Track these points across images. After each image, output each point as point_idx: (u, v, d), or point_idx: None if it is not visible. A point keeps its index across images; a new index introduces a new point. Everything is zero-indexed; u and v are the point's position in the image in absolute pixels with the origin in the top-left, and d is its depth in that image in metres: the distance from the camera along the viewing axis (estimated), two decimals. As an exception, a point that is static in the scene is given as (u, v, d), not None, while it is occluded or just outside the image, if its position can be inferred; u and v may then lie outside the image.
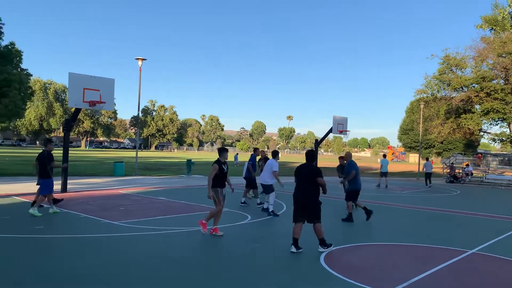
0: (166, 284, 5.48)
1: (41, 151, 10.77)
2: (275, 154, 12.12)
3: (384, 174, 22.86)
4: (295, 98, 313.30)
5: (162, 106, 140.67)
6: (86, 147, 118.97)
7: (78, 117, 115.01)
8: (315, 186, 7.52)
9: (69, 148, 15.17)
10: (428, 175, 25.20)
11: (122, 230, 8.74)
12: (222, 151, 8.83)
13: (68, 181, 15.26)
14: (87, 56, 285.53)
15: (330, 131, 27.24)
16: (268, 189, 11.56)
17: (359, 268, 6.56)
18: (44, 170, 10.32)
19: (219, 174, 8.49)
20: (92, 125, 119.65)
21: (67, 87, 15.06)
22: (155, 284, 5.43)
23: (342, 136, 29.54)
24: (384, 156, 24.38)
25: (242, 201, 13.18)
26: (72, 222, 9.53)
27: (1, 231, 8.23)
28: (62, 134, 15.33)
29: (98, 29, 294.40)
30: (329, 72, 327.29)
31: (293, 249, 7.42)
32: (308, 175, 7.55)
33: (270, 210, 11.37)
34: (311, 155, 7.91)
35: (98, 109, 14.86)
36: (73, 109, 15.24)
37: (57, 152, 13.99)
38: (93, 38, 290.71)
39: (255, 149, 14.16)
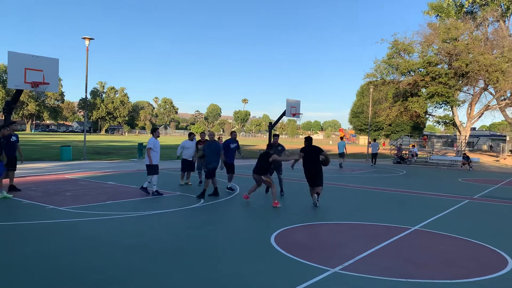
0: (115, 270, 5.37)
1: None
2: (152, 131, 11.95)
3: (341, 155, 24.95)
4: (250, 81, 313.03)
5: (112, 88, 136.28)
6: (31, 131, 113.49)
7: (22, 99, 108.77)
8: (319, 162, 10.54)
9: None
10: (374, 155, 27.11)
11: (69, 216, 8.44)
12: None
13: (10, 166, 14.51)
14: (32, 34, 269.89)
15: (284, 114, 27.49)
16: (152, 170, 11.40)
17: (307, 247, 6.72)
18: None
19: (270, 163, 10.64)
20: (37, 108, 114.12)
21: (8, 67, 14.13)
22: (103, 270, 5.31)
23: (296, 119, 30.01)
24: (342, 138, 26.32)
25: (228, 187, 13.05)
26: (13, 209, 9.08)
27: None
28: (3, 117, 14.41)
29: (44, 6, 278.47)
30: (283, 55, 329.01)
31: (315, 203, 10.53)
32: (315, 154, 10.54)
33: (154, 190, 11.36)
34: (311, 139, 10.97)
35: (41, 90, 14.13)
36: (14, 91, 14.38)
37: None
38: (39, 16, 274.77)
39: (232, 132, 13.98)
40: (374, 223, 8.77)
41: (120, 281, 4.96)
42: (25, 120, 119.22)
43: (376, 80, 38.98)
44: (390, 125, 68.51)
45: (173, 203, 10.31)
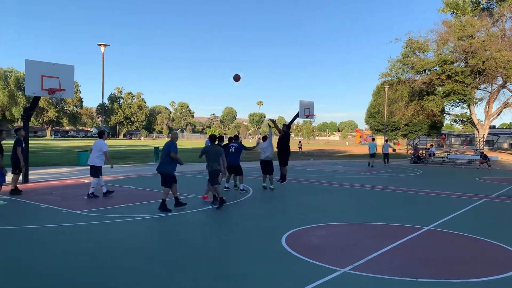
0: (123, 272, 5.49)
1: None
2: (100, 134, 11.91)
3: (372, 155, 26.17)
4: (265, 84, 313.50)
5: (130, 93, 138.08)
6: (51, 137, 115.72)
7: (42, 106, 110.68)
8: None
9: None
10: (385, 155, 27.93)
11: (84, 219, 8.62)
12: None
13: (29, 172, 14.89)
14: (51, 42, 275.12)
15: (297, 115, 27.44)
16: (96, 171, 11.40)
17: (318, 248, 6.74)
18: None
19: None
20: (57, 114, 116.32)
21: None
22: (114, 272, 5.43)
23: (310, 120, 30.04)
24: (373, 139, 28.00)
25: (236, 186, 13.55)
26: (32, 213, 9.32)
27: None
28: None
29: (63, 14, 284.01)
30: (298, 56, 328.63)
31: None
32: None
33: (90, 192, 11.37)
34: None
35: (58, 96, 14.50)
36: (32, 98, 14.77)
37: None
38: (58, 23, 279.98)
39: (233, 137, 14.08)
40: (386, 223, 8.72)
41: (135, 283, 5.07)
42: (45, 126, 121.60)
43: (391, 80, 38.62)
44: (407, 124, 67.62)
45: (187, 206, 10.42)
